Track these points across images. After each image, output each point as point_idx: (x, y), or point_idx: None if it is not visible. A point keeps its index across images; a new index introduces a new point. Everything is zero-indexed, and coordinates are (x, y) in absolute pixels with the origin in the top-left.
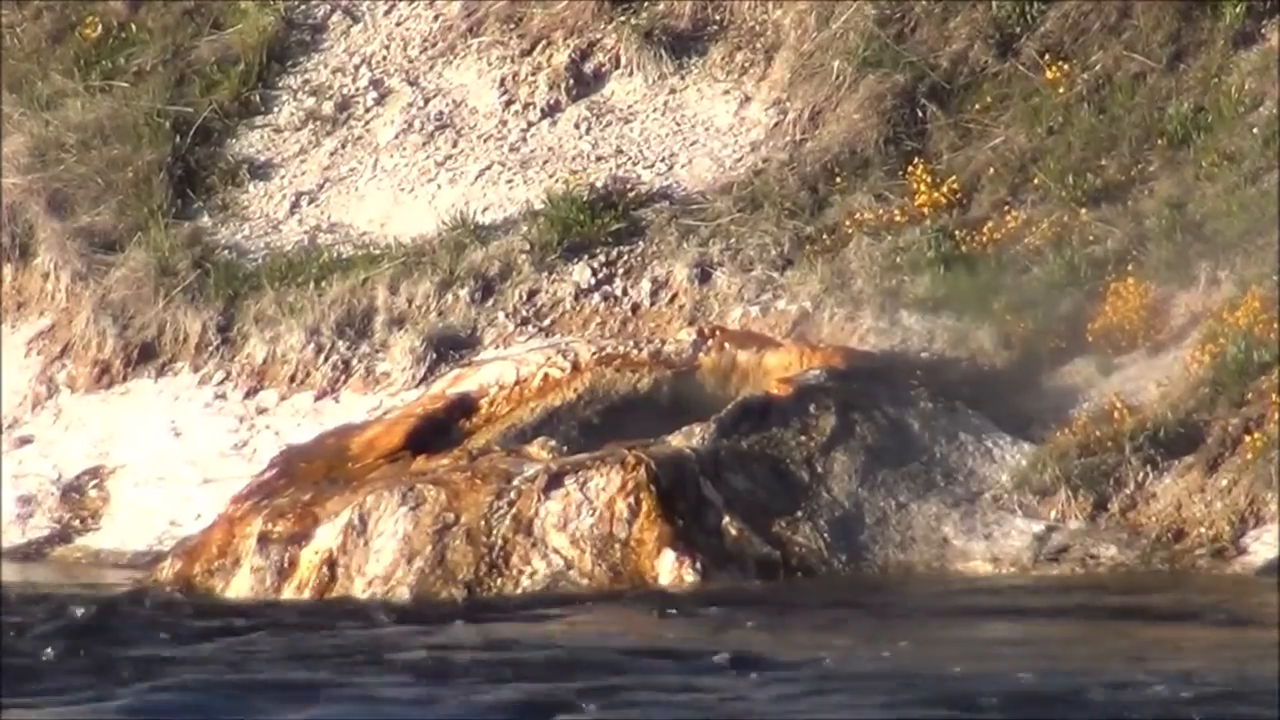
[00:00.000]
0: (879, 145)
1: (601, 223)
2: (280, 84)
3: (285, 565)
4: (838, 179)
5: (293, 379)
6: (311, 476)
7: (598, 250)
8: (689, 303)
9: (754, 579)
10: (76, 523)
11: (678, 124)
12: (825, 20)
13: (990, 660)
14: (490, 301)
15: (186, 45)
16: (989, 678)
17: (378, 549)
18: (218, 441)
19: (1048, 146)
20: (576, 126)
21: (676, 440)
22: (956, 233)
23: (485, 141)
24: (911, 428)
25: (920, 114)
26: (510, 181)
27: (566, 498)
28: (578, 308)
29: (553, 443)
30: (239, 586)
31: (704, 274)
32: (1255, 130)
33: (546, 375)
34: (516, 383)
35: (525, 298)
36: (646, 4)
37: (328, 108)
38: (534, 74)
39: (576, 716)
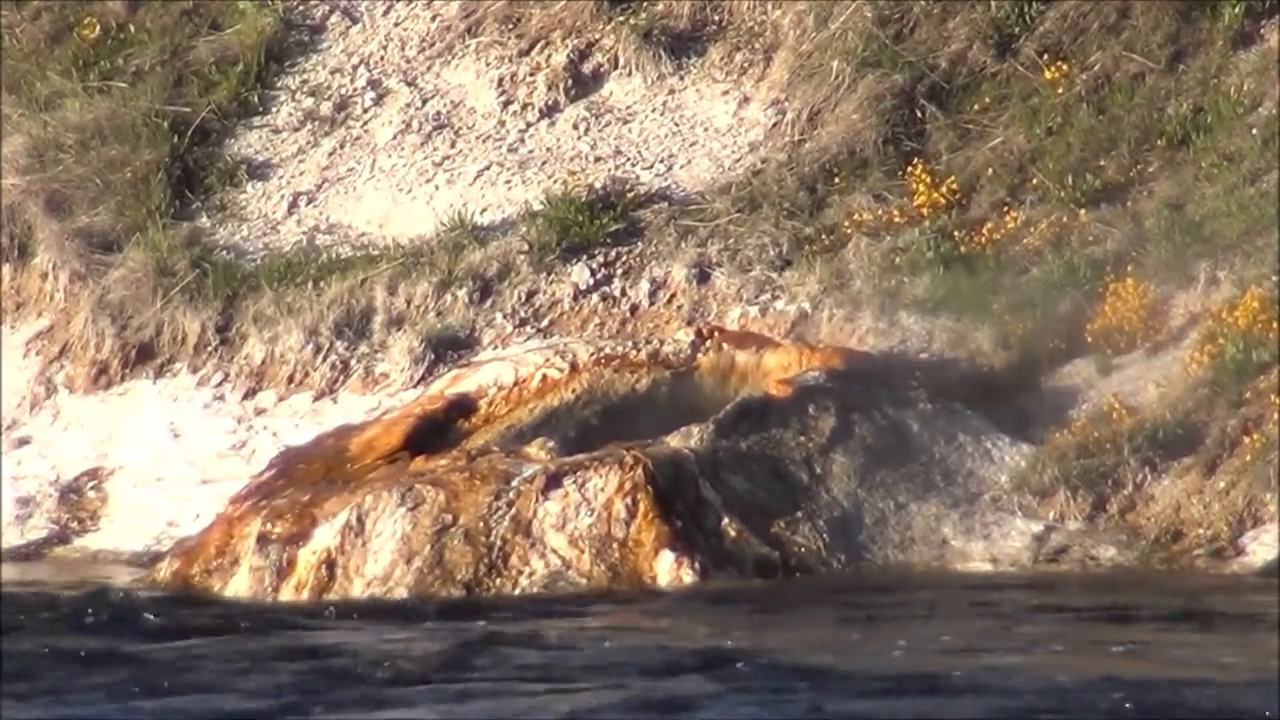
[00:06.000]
0: (878, 145)
1: (600, 223)
2: (278, 84)
3: (284, 565)
4: (836, 179)
5: (291, 379)
6: (310, 477)
7: (596, 251)
8: (687, 303)
9: (753, 579)
10: (75, 523)
11: (676, 124)
12: (824, 20)
13: (988, 660)
14: (489, 302)
15: (185, 46)
16: (987, 677)
17: (376, 549)
18: (216, 442)
19: (1047, 147)
20: (575, 127)
21: (675, 441)
22: (955, 233)
23: (484, 142)
24: (910, 428)
25: (919, 114)
26: (509, 182)
27: (565, 498)
28: (576, 308)
29: (551, 443)
30: (237, 586)
31: (702, 274)
32: (1254, 131)
33: (545, 376)
34: (515, 383)
35: (524, 298)
36: (645, 4)
37: (326, 108)
38: (532, 74)
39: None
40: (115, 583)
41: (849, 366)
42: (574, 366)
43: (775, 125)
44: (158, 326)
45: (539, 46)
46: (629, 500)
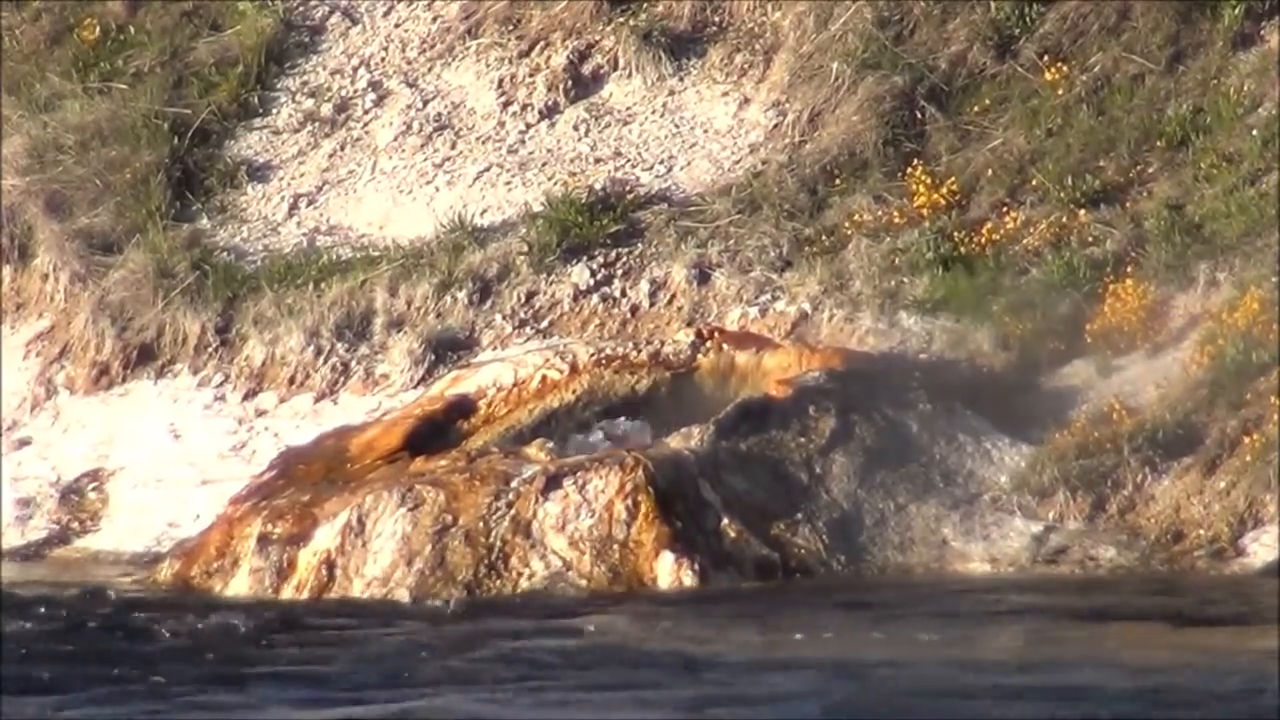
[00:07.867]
0: (878, 147)
1: (600, 224)
2: (279, 86)
3: (284, 566)
4: (837, 180)
5: (291, 381)
6: (310, 478)
7: (596, 252)
8: (687, 304)
9: (752, 580)
10: (75, 524)
11: (676, 126)
12: (824, 22)
13: (987, 660)
14: (489, 303)
15: (185, 47)
16: (985, 677)
17: (376, 550)
18: (216, 443)
19: (1046, 148)
20: (575, 128)
21: (675, 442)
22: (955, 234)
23: (484, 143)
24: (910, 429)
25: (919, 115)
26: (509, 183)
27: (565, 499)
28: (576, 309)
29: (551, 444)
30: (237, 587)
31: (702, 275)
32: (1254, 132)
33: (545, 377)
34: (515, 384)
35: (524, 299)
36: (645, 5)
37: (326, 109)
38: (532, 75)
39: (573, 714)
40: (116, 584)
41: (849, 367)
42: (574, 367)
43: (775, 126)
44: (158, 328)
45: (539, 48)
46: (629, 501)
